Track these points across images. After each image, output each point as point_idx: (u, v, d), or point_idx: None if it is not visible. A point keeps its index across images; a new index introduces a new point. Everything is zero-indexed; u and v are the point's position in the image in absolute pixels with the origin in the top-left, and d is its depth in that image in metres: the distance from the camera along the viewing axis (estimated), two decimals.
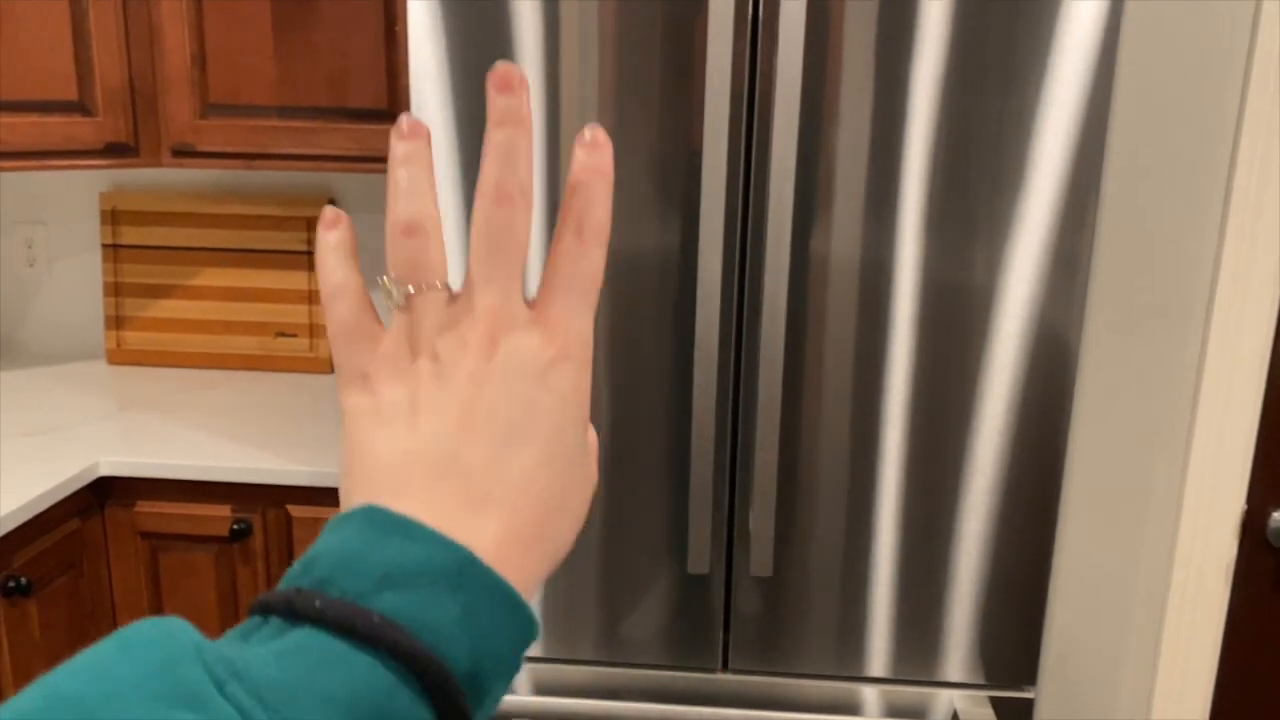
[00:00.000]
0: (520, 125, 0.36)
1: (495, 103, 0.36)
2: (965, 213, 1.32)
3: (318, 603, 0.30)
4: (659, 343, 1.39)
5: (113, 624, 1.78)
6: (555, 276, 0.38)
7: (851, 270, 1.35)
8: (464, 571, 0.32)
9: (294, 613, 0.30)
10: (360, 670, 0.29)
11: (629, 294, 1.38)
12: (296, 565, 0.32)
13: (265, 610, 0.31)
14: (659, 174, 1.34)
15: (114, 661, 0.28)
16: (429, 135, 0.38)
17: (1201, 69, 1.42)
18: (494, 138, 0.36)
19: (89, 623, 1.73)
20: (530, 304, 0.37)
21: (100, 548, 1.74)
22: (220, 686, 0.28)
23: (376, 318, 0.39)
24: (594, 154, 0.38)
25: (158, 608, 1.77)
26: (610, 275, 1.37)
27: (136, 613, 1.77)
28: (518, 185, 0.36)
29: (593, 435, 0.41)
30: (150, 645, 0.29)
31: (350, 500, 0.36)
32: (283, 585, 0.32)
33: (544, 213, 1.34)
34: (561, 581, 1.48)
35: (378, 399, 0.37)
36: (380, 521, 0.33)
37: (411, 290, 0.36)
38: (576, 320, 0.37)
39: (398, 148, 0.37)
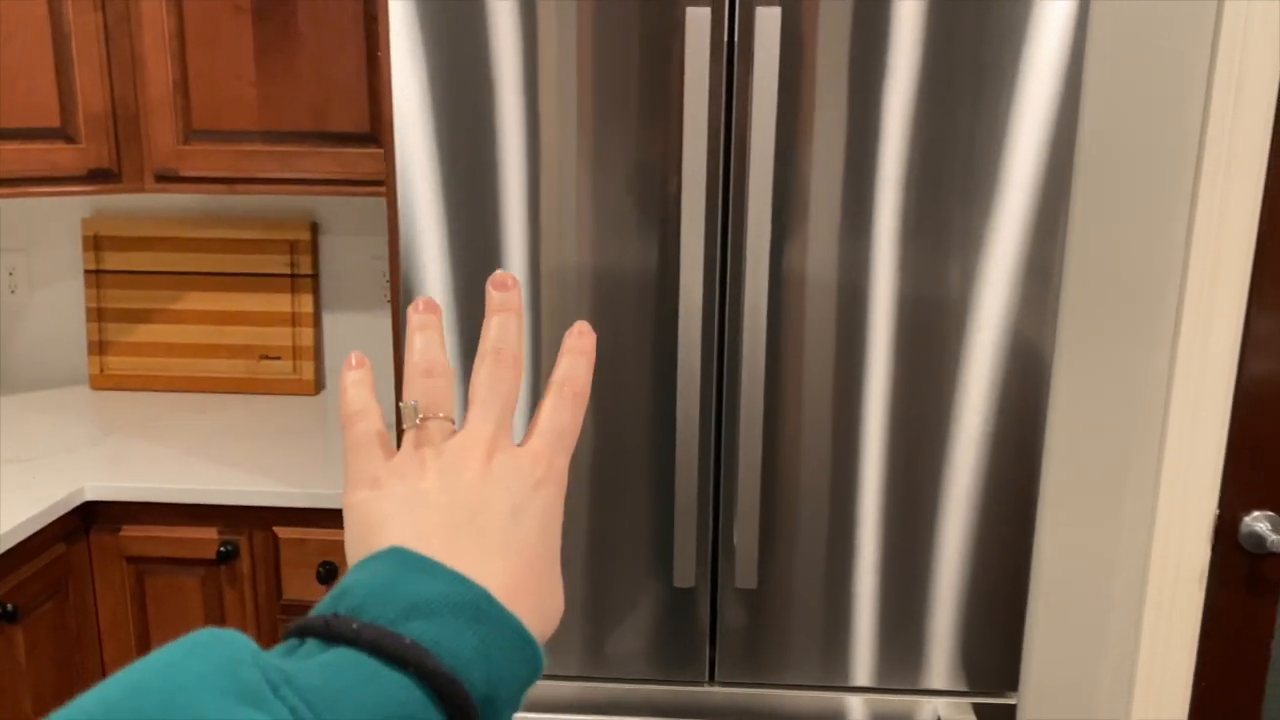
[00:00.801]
0: (512, 312, 0.47)
1: (494, 297, 0.47)
2: (939, 226, 1.35)
3: (354, 625, 0.34)
4: (640, 359, 1.41)
5: (99, 649, 1.78)
6: (541, 423, 0.46)
7: (829, 285, 1.38)
8: (481, 607, 0.36)
9: (331, 635, 0.34)
10: (393, 686, 0.33)
11: (611, 311, 1.40)
12: (328, 598, 0.36)
13: (302, 633, 0.35)
14: (638, 193, 1.36)
15: (184, 660, 0.32)
16: (441, 312, 0.48)
17: (1165, 84, 1.45)
18: (494, 320, 0.47)
19: (75, 649, 1.73)
20: (518, 445, 0.45)
21: (86, 573, 1.74)
22: (274, 689, 0.31)
23: (389, 438, 0.45)
24: (581, 340, 0.48)
25: (144, 632, 1.77)
26: (592, 292, 1.39)
27: (123, 638, 1.77)
28: (511, 354, 0.46)
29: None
30: (215, 647, 0.32)
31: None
32: (316, 611, 0.36)
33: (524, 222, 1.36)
34: None
35: (388, 492, 0.43)
36: (406, 560, 0.37)
37: (424, 416, 0.44)
38: (557, 456, 0.45)
39: (415, 318, 0.47)
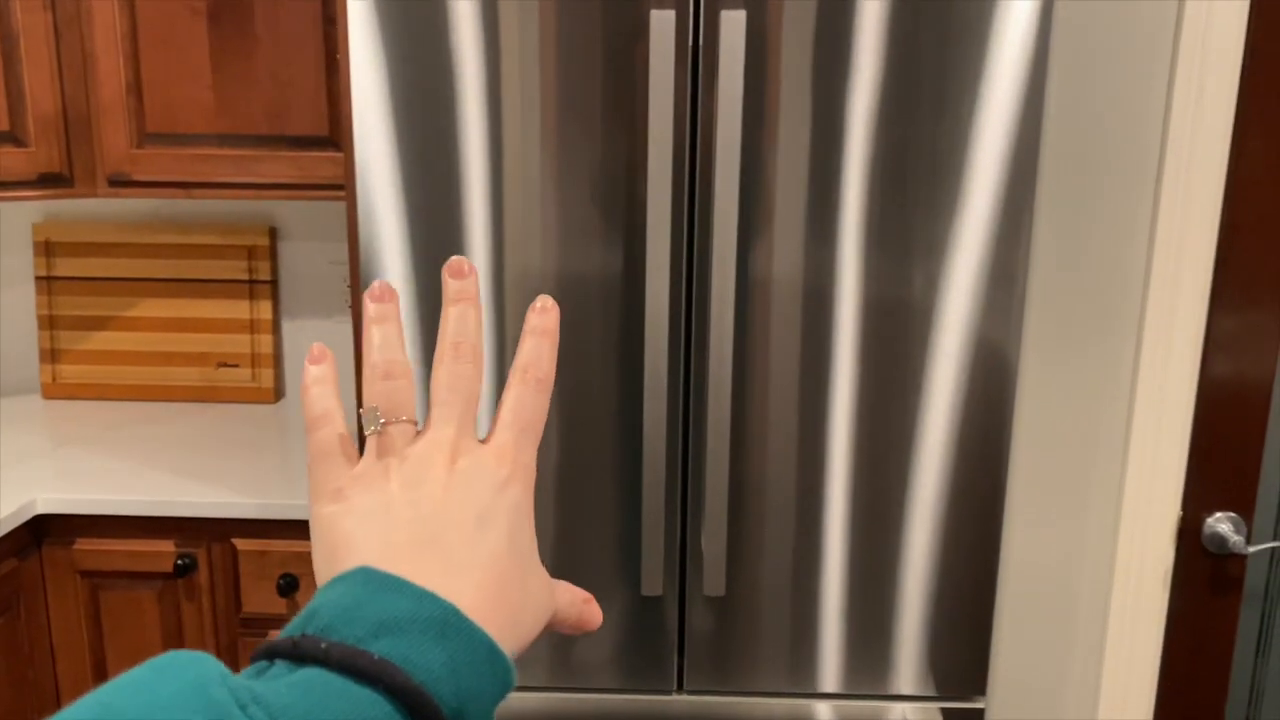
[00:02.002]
0: (471, 302, 0.45)
1: (450, 285, 0.45)
2: (904, 230, 1.35)
3: (323, 644, 0.34)
4: (606, 365, 1.39)
5: (52, 665, 1.73)
6: (505, 415, 0.45)
7: (794, 289, 1.37)
8: (449, 623, 0.36)
9: (300, 655, 0.34)
10: (363, 703, 0.33)
11: (577, 317, 1.38)
12: (297, 619, 0.36)
13: (271, 655, 0.35)
14: (603, 196, 1.35)
15: (153, 681, 0.32)
16: (398, 298, 0.46)
17: (1127, 88, 1.46)
18: (451, 311, 0.45)
19: (28, 665, 1.68)
20: (483, 440, 0.44)
21: (38, 588, 1.69)
22: (243, 707, 0.31)
23: (352, 443, 0.44)
24: (543, 318, 0.46)
25: (99, 648, 1.73)
26: (558, 297, 1.37)
27: (77, 654, 1.73)
28: (470, 347, 0.45)
29: (562, 588, 0.47)
30: (184, 669, 0.32)
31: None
32: (285, 633, 0.35)
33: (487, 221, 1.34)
34: None
35: (354, 505, 0.42)
36: (373, 579, 0.37)
37: (385, 421, 0.43)
38: (522, 452, 0.44)
39: (371, 308, 0.45)
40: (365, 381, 0.44)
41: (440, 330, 0.45)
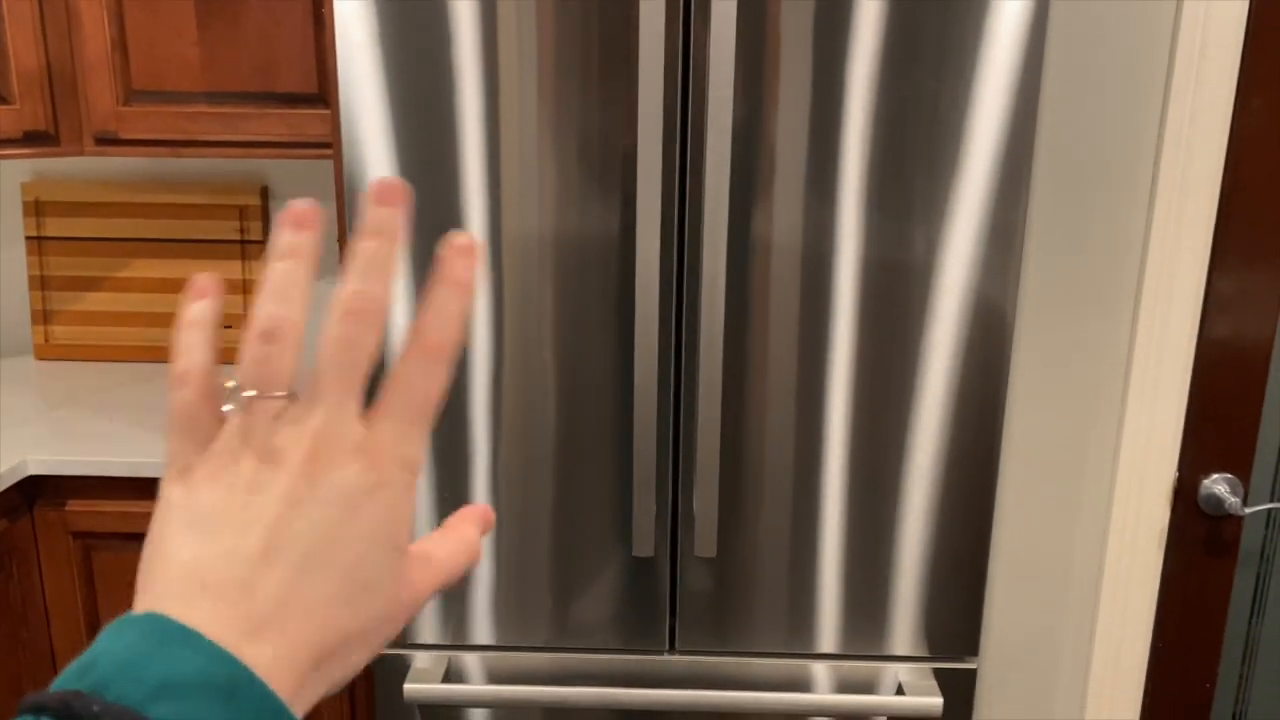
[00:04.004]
0: (391, 240, 0.37)
1: (372, 213, 0.36)
2: (904, 192, 1.33)
3: (95, 708, 0.30)
4: (605, 329, 1.38)
5: (46, 627, 1.73)
6: (393, 395, 0.37)
7: (791, 251, 1.35)
8: (239, 685, 0.32)
9: (71, 716, 0.30)
10: None
11: (572, 281, 1.36)
12: (73, 666, 0.32)
13: (38, 710, 0.31)
14: (600, 154, 1.32)
15: None
16: (318, 226, 0.37)
17: (1128, 47, 1.43)
18: (361, 247, 0.36)
19: (22, 627, 1.68)
20: (365, 417, 0.37)
21: (30, 550, 1.69)
22: None
23: (217, 410, 0.37)
24: (458, 263, 0.38)
25: (92, 609, 1.73)
26: (555, 262, 1.36)
27: (70, 615, 1.73)
28: (375, 300, 0.36)
29: (438, 551, 0.40)
30: None
31: (141, 597, 0.36)
32: (57, 685, 0.31)
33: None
34: (513, 569, 1.47)
35: (193, 498, 0.36)
36: (162, 630, 0.33)
37: (253, 394, 0.36)
38: (405, 445, 0.37)
39: (282, 237, 0.36)
40: (244, 339, 0.36)
41: (344, 271, 0.36)
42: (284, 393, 0.36)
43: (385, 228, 0.37)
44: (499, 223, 1.34)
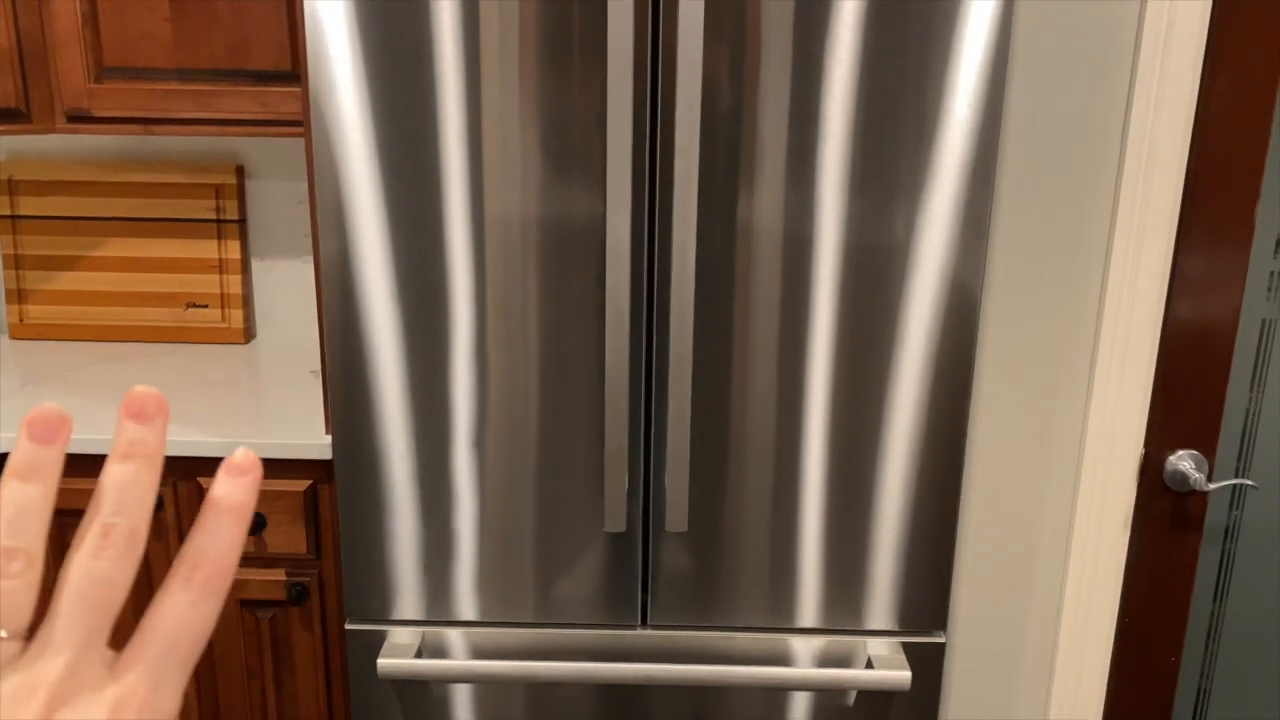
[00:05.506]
0: (147, 460, 0.32)
1: (124, 430, 0.32)
2: (880, 173, 1.34)
3: None
4: (583, 310, 1.38)
5: None
6: (150, 632, 0.32)
7: (772, 232, 1.36)
8: None
9: None
10: None
11: (551, 261, 1.37)
12: None
13: None
14: (577, 137, 1.33)
15: None
16: (67, 435, 0.32)
17: (1095, 28, 1.44)
18: (112, 472, 0.32)
19: None
20: (114, 660, 0.32)
21: None
22: None
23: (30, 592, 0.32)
24: (234, 485, 0.34)
25: None
26: (535, 242, 1.36)
27: (43, 596, 1.73)
28: (126, 531, 0.32)
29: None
30: None
31: None
32: None
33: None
34: (489, 545, 1.48)
35: None
36: None
37: None
38: (159, 693, 0.31)
39: (21, 453, 0.31)
40: None
41: (93, 496, 0.32)
42: (15, 632, 0.31)
43: (139, 447, 0.32)
44: (480, 200, 1.34)
